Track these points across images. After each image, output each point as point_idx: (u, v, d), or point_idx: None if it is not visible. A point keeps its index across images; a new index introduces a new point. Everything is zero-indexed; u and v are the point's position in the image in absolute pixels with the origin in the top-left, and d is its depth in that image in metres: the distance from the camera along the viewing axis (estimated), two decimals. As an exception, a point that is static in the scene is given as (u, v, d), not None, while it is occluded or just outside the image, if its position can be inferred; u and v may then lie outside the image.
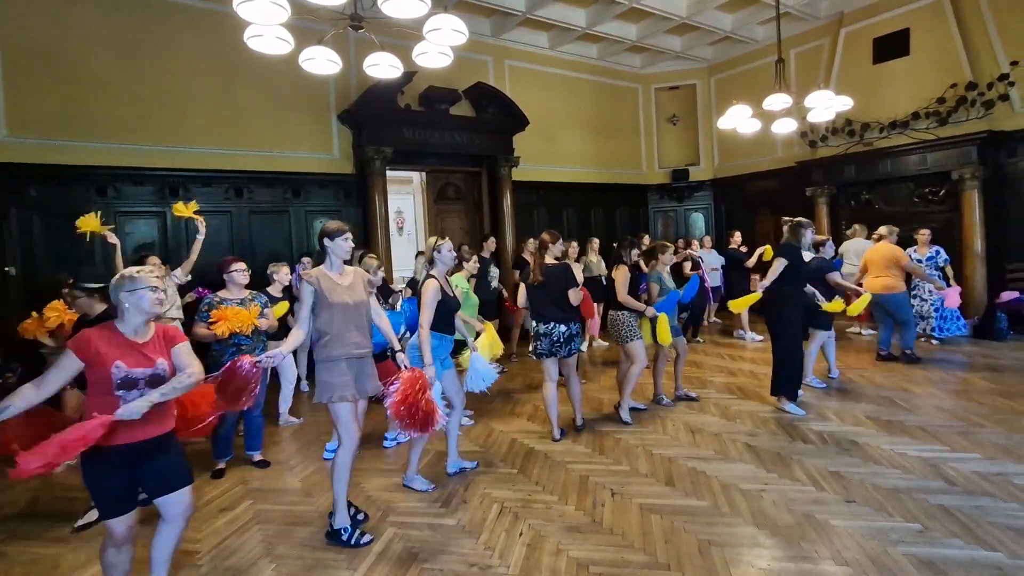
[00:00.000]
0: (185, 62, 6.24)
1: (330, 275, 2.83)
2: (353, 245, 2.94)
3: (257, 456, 3.92)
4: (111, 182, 5.85)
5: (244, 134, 6.59)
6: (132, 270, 2.16)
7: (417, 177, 10.44)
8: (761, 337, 7.38)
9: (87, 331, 2.08)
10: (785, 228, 4.71)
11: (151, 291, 2.12)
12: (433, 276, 3.33)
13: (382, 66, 4.23)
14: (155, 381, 2.10)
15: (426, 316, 3.19)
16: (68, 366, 2.01)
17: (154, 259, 4.58)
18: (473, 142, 8.10)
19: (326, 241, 2.85)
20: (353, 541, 2.74)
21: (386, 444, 4.22)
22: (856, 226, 7.19)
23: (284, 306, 4.45)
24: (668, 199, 10.78)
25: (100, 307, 3.22)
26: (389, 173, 7.52)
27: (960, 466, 3.28)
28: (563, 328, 3.94)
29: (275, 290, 4.50)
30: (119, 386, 2.03)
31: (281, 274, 4.52)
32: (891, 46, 7.89)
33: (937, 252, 6.45)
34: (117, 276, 2.15)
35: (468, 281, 4.94)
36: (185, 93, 6.24)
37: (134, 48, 5.98)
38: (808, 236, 4.54)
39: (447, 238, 3.52)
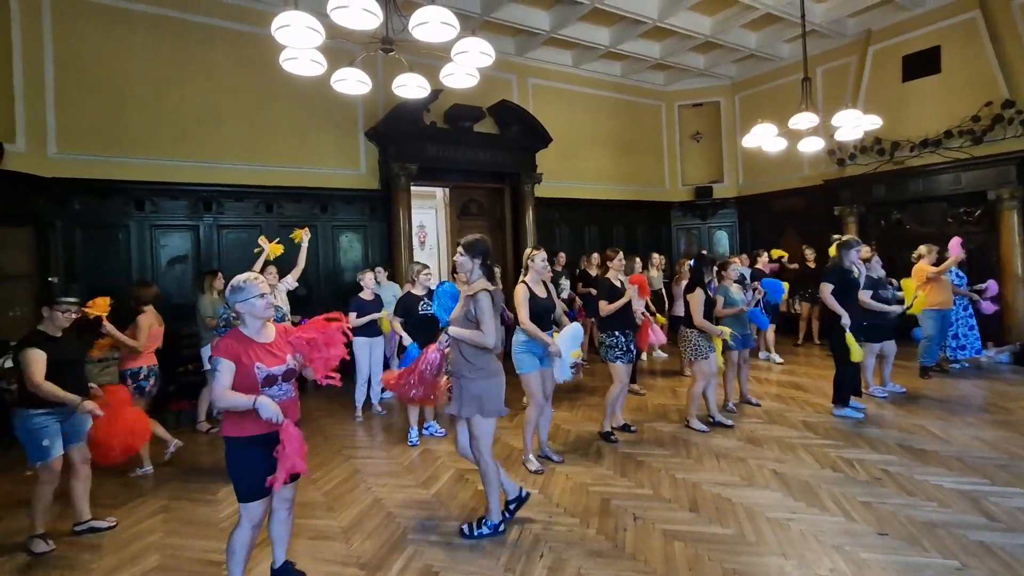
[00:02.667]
0: (220, 81, 6.48)
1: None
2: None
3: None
4: (149, 196, 6.07)
5: (275, 151, 6.79)
6: (240, 279, 2.33)
7: (440, 192, 10.57)
8: (782, 360, 7.24)
9: (226, 339, 2.29)
10: (833, 247, 4.88)
11: (260, 297, 2.30)
12: (524, 281, 3.75)
13: (410, 87, 4.34)
14: (288, 376, 2.37)
15: (523, 313, 3.63)
16: (227, 368, 2.21)
17: (271, 268, 5.04)
18: (496, 159, 8.19)
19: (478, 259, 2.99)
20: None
21: (412, 442, 4.46)
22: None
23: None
24: (692, 216, 10.70)
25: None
26: (413, 188, 7.65)
27: (1002, 501, 3.14)
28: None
29: (366, 295, 5.26)
30: (263, 383, 2.26)
31: (367, 279, 5.25)
32: (921, 64, 7.76)
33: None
34: (228, 286, 2.35)
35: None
36: (220, 111, 6.47)
37: (173, 68, 6.24)
38: (853, 255, 4.77)
39: (541, 249, 3.87)
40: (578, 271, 7.68)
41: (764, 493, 3.39)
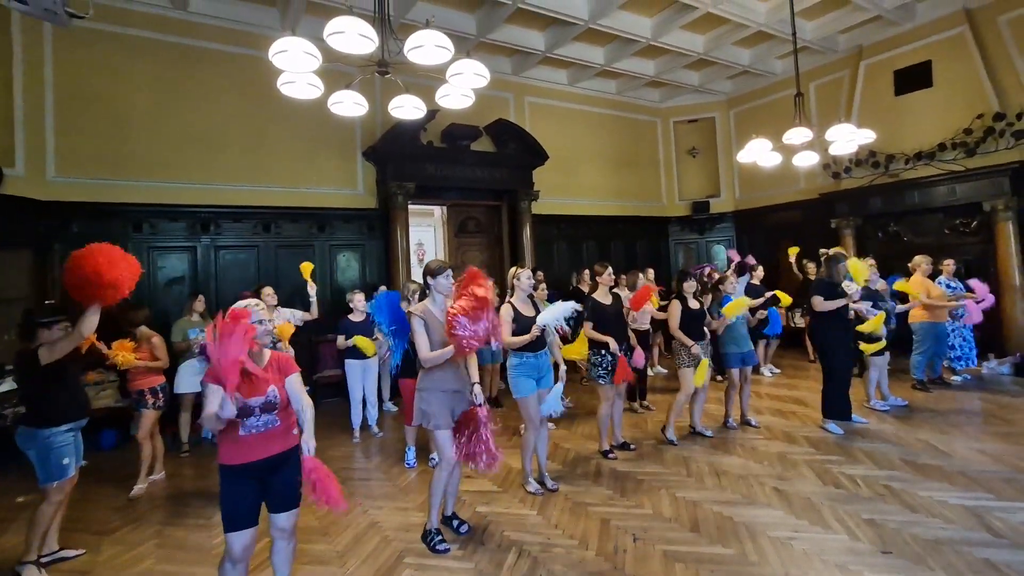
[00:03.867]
0: (219, 104, 6.56)
1: (432, 310, 3.10)
2: (453, 282, 3.19)
3: None
4: (147, 218, 6.10)
5: (273, 172, 6.84)
6: (240, 304, 2.35)
7: (438, 210, 10.63)
8: (777, 371, 7.25)
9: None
10: (821, 261, 4.92)
11: (259, 324, 2.31)
12: (510, 301, 3.75)
13: (407, 108, 4.38)
14: (267, 407, 2.32)
15: (505, 331, 3.58)
16: (214, 392, 2.19)
17: (267, 289, 4.96)
18: (493, 176, 8.24)
19: (429, 279, 3.15)
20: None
21: (409, 463, 4.46)
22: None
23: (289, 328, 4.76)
24: (689, 231, 10.73)
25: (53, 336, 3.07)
26: (411, 207, 7.68)
27: (1007, 516, 3.09)
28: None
29: (355, 316, 5.23)
30: (240, 414, 2.23)
31: (356, 300, 5.23)
32: (913, 78, 7.85)
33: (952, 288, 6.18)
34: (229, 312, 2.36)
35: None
36: (218, 133, 6.54)
37: (172, 92, 6.32)
38: (842, 268, 4.78)
39: (526, 267, 3.92)
40: (571, 288, 7.66)
41: (766, 511, 3.34)
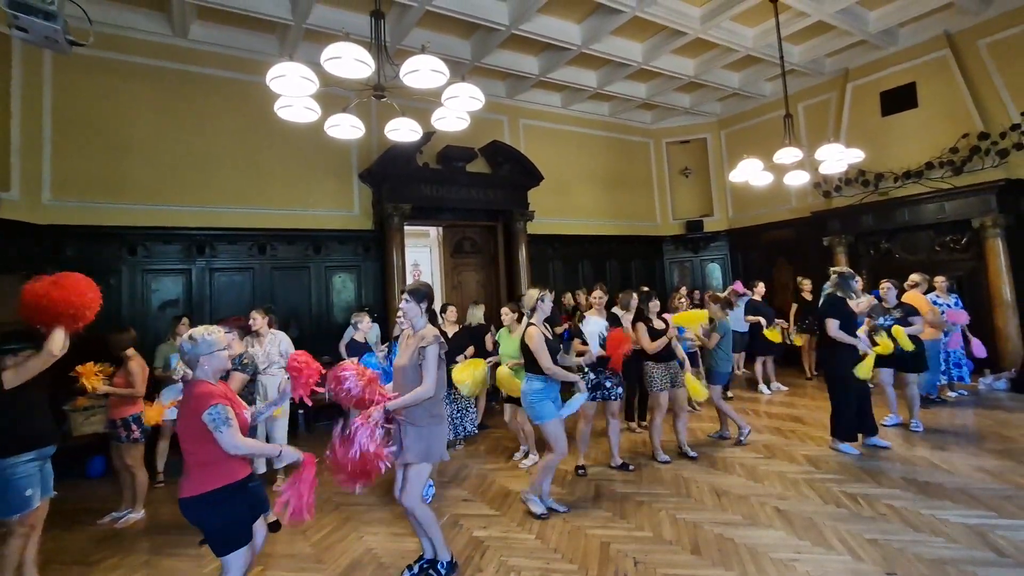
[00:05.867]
0: (215, 128, 6.62)
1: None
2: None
3: (271, 517, 3.81)
4: (142, 241, 6.09)
5: (269, 194, 6.87)
6: (200, 331, 2.41)
7: (434, 231, 10.67)
8: (784, 388, 7.23)
9: (211, 387, 2.33)
10: (831, 279, 4.83)
11: (223, 351, 2.42)
12: (534, 323, 3.68)
13: (403, 131, 4.43)
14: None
15: (545, 359, 3.54)
16: (232, 414, 2.30)
17: (254, 314, 4.72)
18: (489, 197, 8.31)
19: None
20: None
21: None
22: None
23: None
24: (684, 249, 10.81)
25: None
26: (407, 228, 7.71)
27: (1010, 535, 3.06)
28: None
29: (359, 336, 5.34)
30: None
31: (364, 323, 5.35)
32: (899, 99, 8.03)
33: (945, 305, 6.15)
34: (188, 337, 2.40)
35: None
36: (214, 156, 6.58)
37: (169, 116, 6.38)
38: (853, 284, 4.80)
39: (549, 291, 3.84)
40: (573, 308, 7.67)
41: (767, 532, 3.30)
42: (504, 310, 4.92)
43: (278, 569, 3.19)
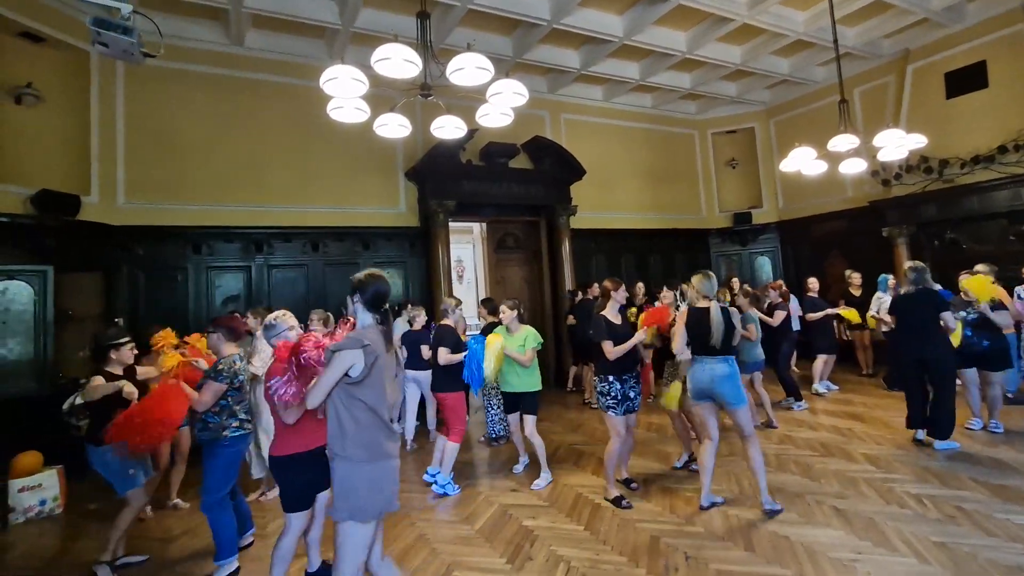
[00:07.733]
0: (269, 130, 6.92)
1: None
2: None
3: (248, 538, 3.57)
4: (205, 240, 6.45)
5: (320, 193, 7.14)
6: (271, 316, 2.94)
7: (477, 227, 10.79)
8: (835, 387, 6.93)
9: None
10: (911, 273, 4.61)
11: (291, 331, 2.91)
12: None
13: (447, 128, 4.51)
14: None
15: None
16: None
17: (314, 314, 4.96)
18: (531, 193, 8.34)
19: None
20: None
21: (427, 477, 4.40)
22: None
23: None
24: (731, 243, 10.51)
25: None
26: (451, 224, 7.84)
27: (1096, 542, 2.86)
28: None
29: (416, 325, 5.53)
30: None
31: (419, 319, 5.51)
32: (966, 79, 7.53)
33: None
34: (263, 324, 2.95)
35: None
36: (268, 158, 6.88)
37: (226, 120, 6.72)
38: (928, 278, 4.62)
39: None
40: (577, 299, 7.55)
41: (825, 531, 3.20)
42: (502, 308, 4.52)
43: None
